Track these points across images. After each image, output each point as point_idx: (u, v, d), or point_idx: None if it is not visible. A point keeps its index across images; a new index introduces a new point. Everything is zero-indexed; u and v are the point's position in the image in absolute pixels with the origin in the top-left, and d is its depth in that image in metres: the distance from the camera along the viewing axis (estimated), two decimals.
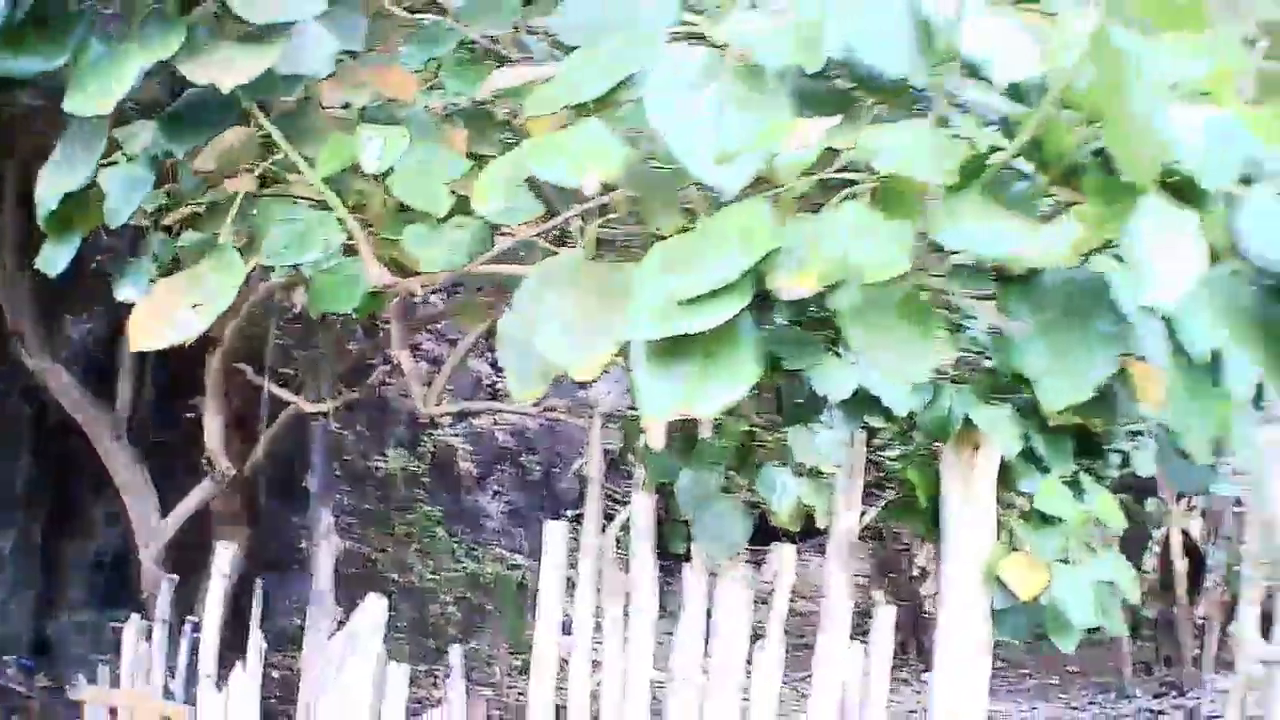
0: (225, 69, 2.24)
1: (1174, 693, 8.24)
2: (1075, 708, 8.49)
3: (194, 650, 4.67)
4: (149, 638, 4.81)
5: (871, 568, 10.34)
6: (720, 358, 1.88)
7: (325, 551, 5.44)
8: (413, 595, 9.60)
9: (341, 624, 4.55)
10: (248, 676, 4.53)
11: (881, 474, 5.19)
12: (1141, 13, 1.85)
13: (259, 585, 4.80)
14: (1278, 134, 1.81)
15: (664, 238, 2.00)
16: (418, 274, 2.90)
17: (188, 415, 7.23)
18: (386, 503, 10.68)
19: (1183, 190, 1.87)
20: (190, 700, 4.63)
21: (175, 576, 5.09)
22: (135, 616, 4.92)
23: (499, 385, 10.53)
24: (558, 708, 4.52)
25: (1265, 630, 4.99)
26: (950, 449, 4.02)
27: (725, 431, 4.03)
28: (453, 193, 2.91)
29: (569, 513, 7.56)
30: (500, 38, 3.75)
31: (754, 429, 4.10)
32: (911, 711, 8.09)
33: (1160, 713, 7.84)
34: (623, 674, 4.34)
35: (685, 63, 2.01)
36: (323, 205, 2.93)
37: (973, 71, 2.01)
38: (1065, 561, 4.14)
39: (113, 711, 4.86)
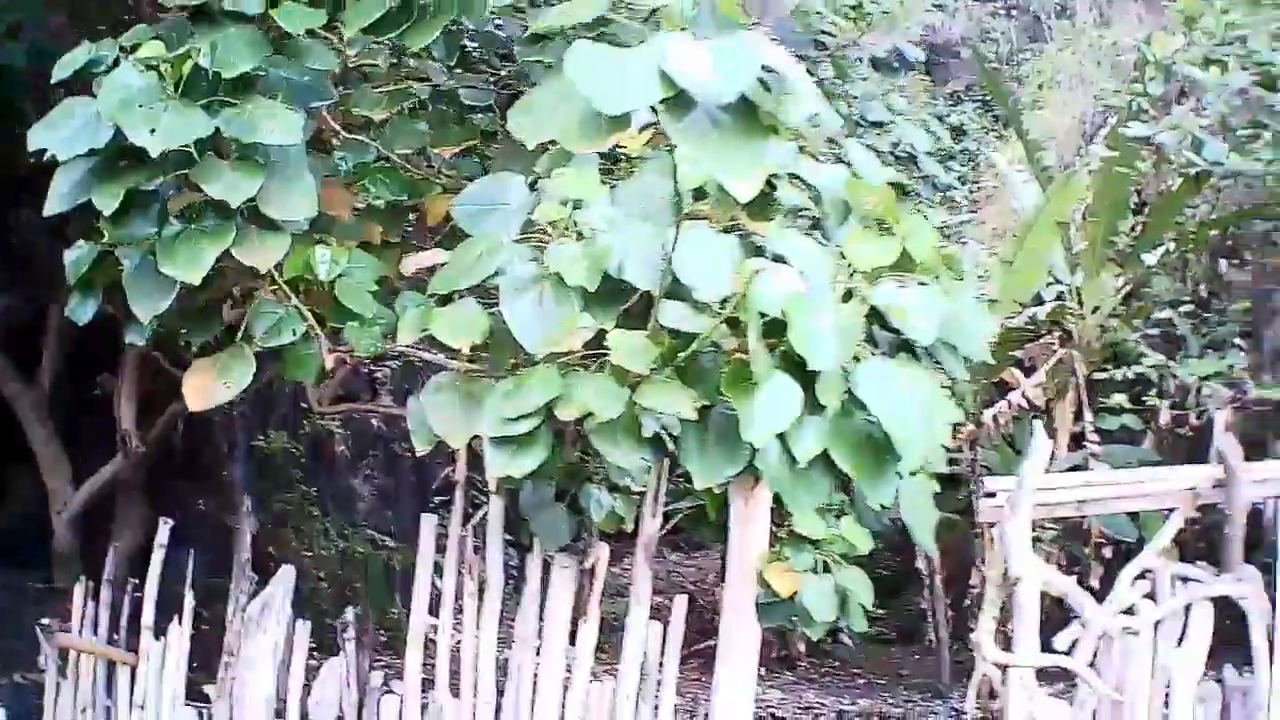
0: (262, 256, 4.40)
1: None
2: (892, 703, 10.87)
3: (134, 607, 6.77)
4: (95, 597, 6.90)
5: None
6: (528, 446, 4.11)
7: (246, 528, 7.52)
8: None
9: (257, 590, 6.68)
10: (182, 628, 6.65)
11: (685, 492, 7.36)
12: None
13: (190, 554, 6.90)
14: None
15: (504, 375, 4.21)
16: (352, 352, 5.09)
17: (99, 395, 9.24)
18: (264, 480, 12.65)
19: (801, 366, 4.09)
20: (133, 648, 6.73)
21: (118, 544, 7.18)
22: (83, 578, 7.02)
23: (378, 375, 12.57)
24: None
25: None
26: (735, 480, 6.22)
27: (556, 457, 6.18)
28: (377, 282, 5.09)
29: (435, 499, 9.52)
30: (411, 157, 5.95)
31: (583, 456, 6.24)
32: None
33: (962, 712, 10.15)
34: (475, 637, 6.52)
35: (521, 272, 4.21)
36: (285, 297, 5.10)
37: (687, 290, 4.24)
38: (814, 571, 6.36)
39: (63, 655, 6.94)
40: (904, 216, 4.87)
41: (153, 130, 4.38)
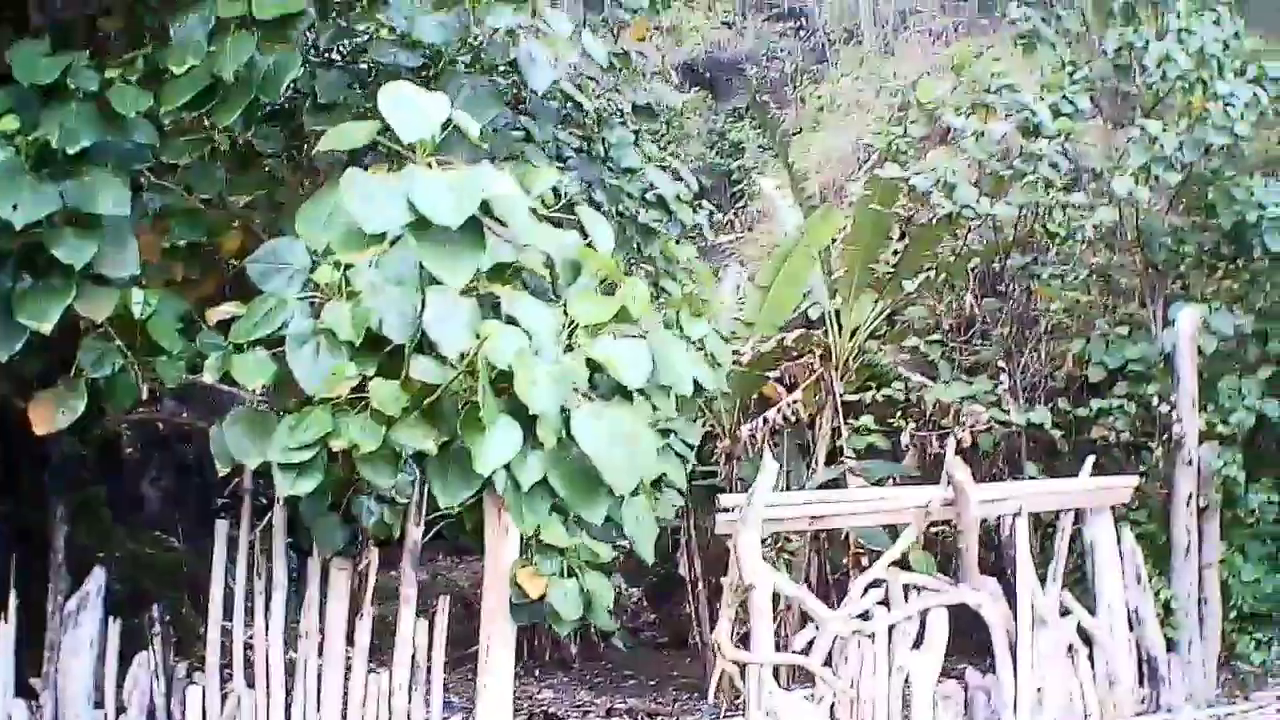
0: (98, 308, 5.81)
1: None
2: (661, 702, 12.51)
3: None
4: None
5: None
6: (308, 470, 5.60)
7: (59, 532, 8.80)
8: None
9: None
10: (7, 625, 7.96)
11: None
12: None
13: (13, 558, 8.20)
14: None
15: (288, 411, 5.66)
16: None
17: None
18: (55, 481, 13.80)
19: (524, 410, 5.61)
20: None
21: None
22: None
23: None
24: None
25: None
26: (488, 495, 7.71)
27: (331, 477, 7.59)
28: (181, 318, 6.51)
29: (219, 501, 10.83)
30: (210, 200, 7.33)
31: (354, 473, 7.67)
32: None
33: (728, 709, 11.78)
34: (265, 632, 7.96)
35: (302, 326, 5.66)
36: (106, 338, 6.47)
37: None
38: (561, 575, 7.87)
39: None
40: (624, 277, 6.44)
41: (14, 206, 5.82)
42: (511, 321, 5.80)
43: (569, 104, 9.32)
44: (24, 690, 8.36)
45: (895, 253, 13.59)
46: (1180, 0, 12.14)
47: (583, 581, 7.92)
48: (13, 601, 8.15)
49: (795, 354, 13.61)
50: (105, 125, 6.38)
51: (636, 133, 10.55)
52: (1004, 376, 13.34)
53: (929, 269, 13.52)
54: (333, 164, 7.17)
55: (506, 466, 5.67)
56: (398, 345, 5.76)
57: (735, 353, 12.79)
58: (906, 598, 9.89)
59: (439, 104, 5.33)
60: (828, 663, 9.49)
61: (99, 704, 8.27)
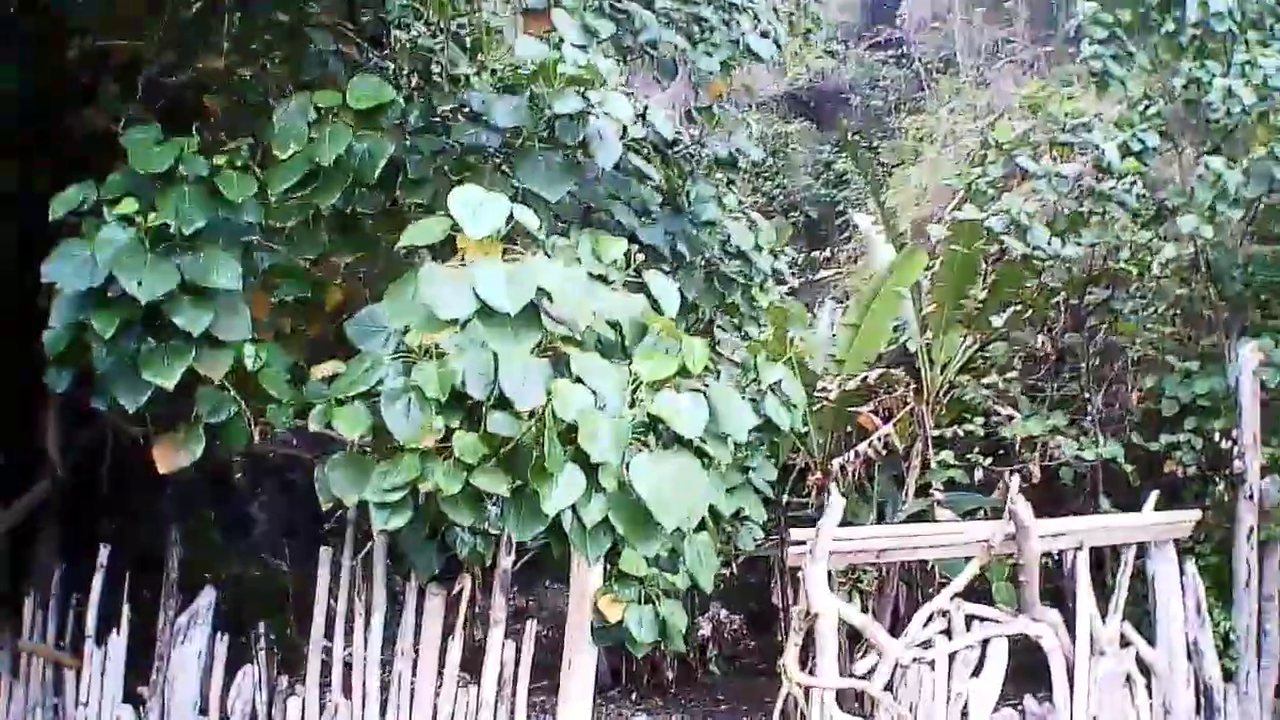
0: (215, 368, 7.12)
1: None
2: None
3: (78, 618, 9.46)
4: (44, 607, 9.57)
5: None
6: (400, 509, 6.93)
7: (173, 552, 10.17)
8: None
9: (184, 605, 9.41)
10: (120, 637, 9.33)
11: None
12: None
13: (127, 575, 9.60)
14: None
15: (383, 458, 6.94)
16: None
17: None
18: (170, 505, 15.29)
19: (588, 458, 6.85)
20: (77, 653, 9.43)
21: (62, 564, 9.87)
22: (32, 591, 9.71)
23: None
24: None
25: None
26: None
27: (421, 515, 8.83)
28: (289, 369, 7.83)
29: (325, 527, 12.16)
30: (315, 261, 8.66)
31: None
32: None
33: None
34: (363, 649, 9.26)
35: (395, 384, 6.94)
36: (221, 387, 7.80)
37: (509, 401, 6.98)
38: (637, 602, 9.10)
39: (16, 659, 9.63)
40: (683, 336, 7.64)
41: (139, 282, 7.14)
42: (579, 380, 7.03)
43: (655, 159, 10.58)
44: (130, 698, 9.81)
45: (984, 289, 14.53)
46: (1249, 32, 12.97)
47: (659, 608, 9.20)
48: (125, 615, 9.54)
49: (889, 388, 14.71)
50: (216, 205, 7.76)
51: (724, 182, 11.81)
52: (1089, 409, 14.37)
53: (1016, 304, 14.53)
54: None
55: (572, 507, 6.91)
56: (478, 400, 7.02)
57: (823, 390, 14.03)
58: (969, 627, 10.96)
59: (499, 206, 6.69)
60: (889, 689, 10.58)
61: (204, 711, 9.70)
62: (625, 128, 8.67)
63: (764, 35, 11.00)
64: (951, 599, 10.90)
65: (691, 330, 10.73)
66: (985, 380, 14.74)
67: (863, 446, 14.33)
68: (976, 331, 14.63)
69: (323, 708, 9.61)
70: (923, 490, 14.32)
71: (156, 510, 13.31)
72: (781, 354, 10.91)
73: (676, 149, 11.11)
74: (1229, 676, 12.29)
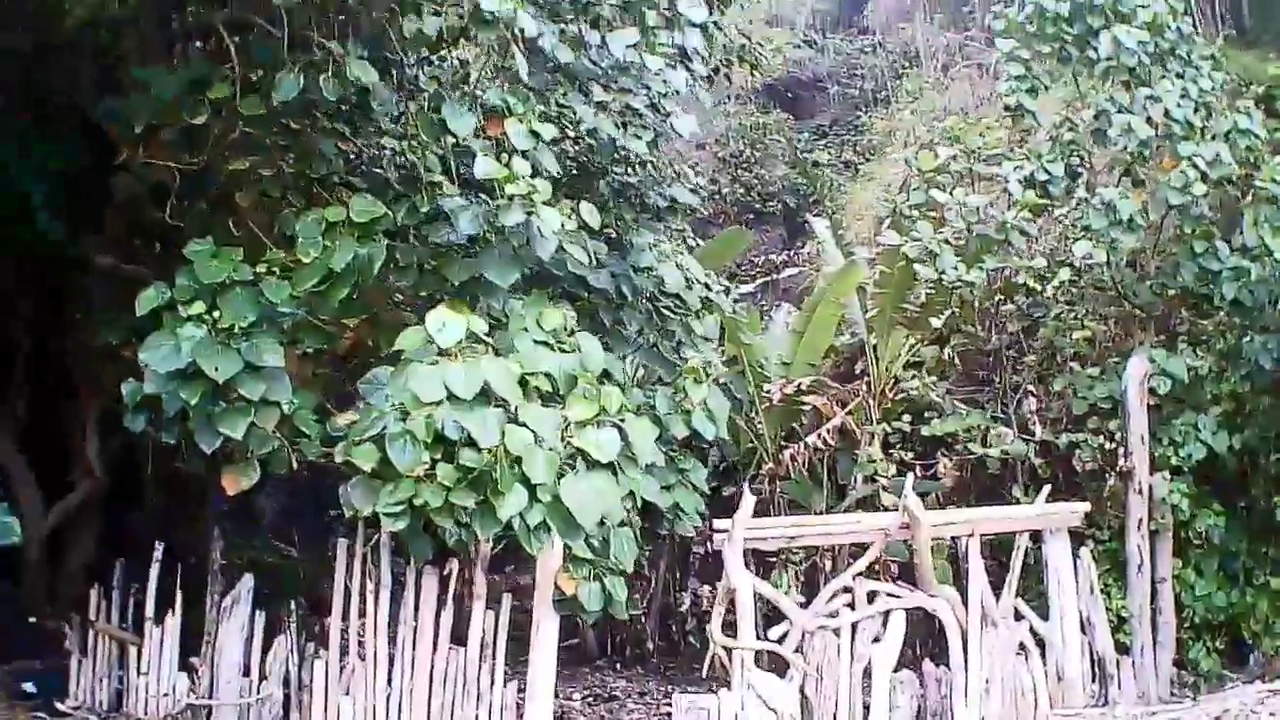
0: (269, 420, 12.43)
1: None
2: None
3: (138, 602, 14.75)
4: (108, 596, 14.79)
5: None
6: (401, 517, 12.45)
7: (216, 547, 15.32)
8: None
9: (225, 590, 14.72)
10: (175, 617, 14.64)
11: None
12: None
13: (179, 565, 14.83)
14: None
15: (389, 481, 12.27)
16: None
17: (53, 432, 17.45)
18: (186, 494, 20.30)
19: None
20: (139, 632, 14.86)
21: (121, 559, 15.17)
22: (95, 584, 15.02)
23: None
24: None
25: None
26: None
27: (417, 518, 13.88)
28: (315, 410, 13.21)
29: (331, 514, 16.83)
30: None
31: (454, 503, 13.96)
32: None
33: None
34: (373, 620, 14.41)
35: (395, 429, 12.47)
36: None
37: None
38: (587, 579, 14.13)
39: (84, 638, 14.94)
40: (600, 387, 13.11)
41: (216, 367, 12.55)
42: (523, 424, 12.36)
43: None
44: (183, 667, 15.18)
45: (923, 295, 18.98)
46: (1155, 66, 17.33)
47: (605, 583, 14.22)
48: (179, 599, 15.02)
49: (842, 382, 20.03)
50: (261, 304, 13.13)
51: (665, 228, 17.15)
52: (1019, 406, 19.35)
53: (951, 310, 19.28)
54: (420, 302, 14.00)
55: (520, 514, 12.31)
56: (453, 440, 12.45)
57: (766, 393, 19.21)
58: (871, 601, 15.73)
59: (458, 325, 12.57)
60: (799, 651, 15.33)
61: (245, 673, 14.91)
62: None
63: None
64: (854, 577, 15.74)
65: (633, 355, 16.53)
66: (918, 380, 19.48)
67: (811, 438, 19.36)
68: (917, 332, 19.49)
69: (342, 669, 14.54)
70: (870, 478, 19.06)
71: (190, 510, 18.47)
72: (735, 360, 17.35)
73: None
74: (1125, 651, 16.66)
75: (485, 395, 12.56)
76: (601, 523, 13.45)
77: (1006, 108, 18.21)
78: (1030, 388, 19.70)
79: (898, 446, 19.45)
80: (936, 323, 19.48)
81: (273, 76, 13.40)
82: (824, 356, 20.89)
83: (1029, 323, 19.63)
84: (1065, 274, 17.86)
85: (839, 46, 34.79)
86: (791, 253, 28.20)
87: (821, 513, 19.08)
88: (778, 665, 15.87)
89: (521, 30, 13.11)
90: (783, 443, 20.06)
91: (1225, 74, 18.62)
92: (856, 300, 20.22)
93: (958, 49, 30.00)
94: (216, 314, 12.91)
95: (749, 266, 30.47)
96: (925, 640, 17.52)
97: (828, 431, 19.36)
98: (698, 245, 23.16)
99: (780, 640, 15.48)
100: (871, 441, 19.39)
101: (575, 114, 15.18)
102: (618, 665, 21.36)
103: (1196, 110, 17.29)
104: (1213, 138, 17.29)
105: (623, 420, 13.53)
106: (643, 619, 22.03)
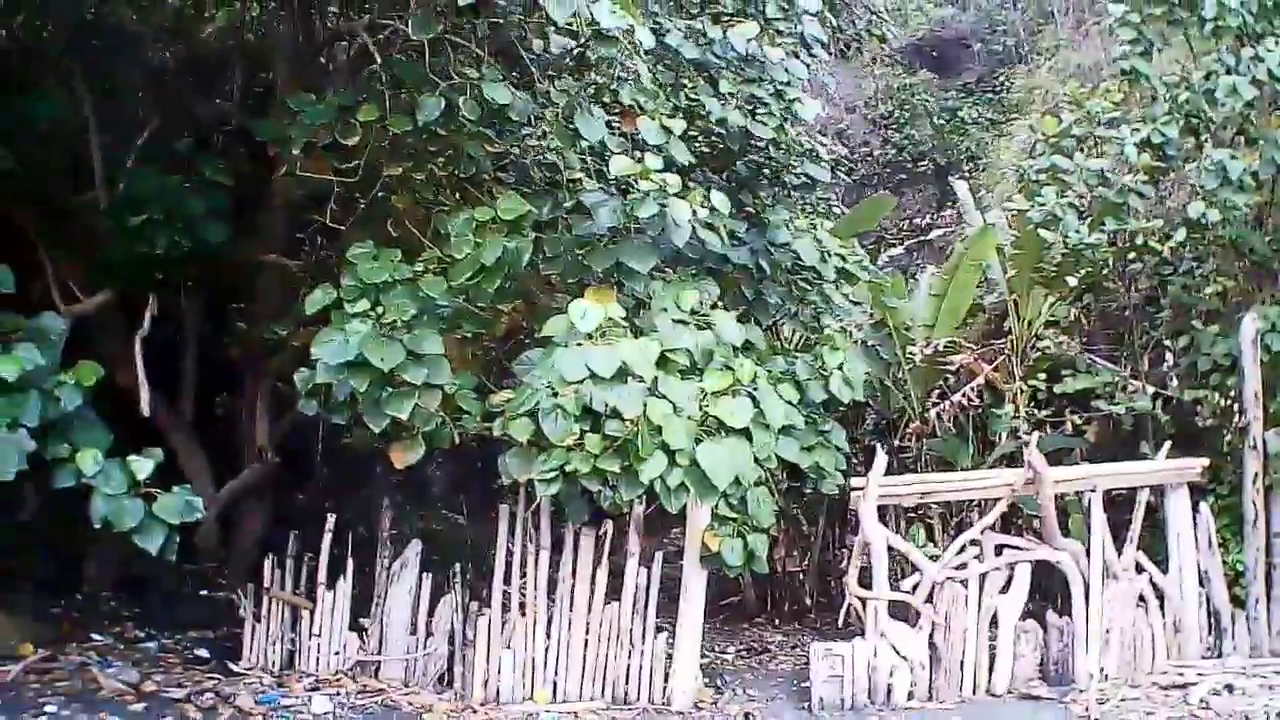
0: (432, 402, 14.08)
1: None
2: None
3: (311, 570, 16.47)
4: (281, 565, 16.50)
5: None
6: (554, 482, 14.13)
7: (385, 517, 16.94)
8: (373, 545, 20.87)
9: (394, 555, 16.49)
10: (346, 581, 16.32)
11: None
12: None
13: (349, 536, 16.50)
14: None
15: (541, 450, 13.94)
16: None
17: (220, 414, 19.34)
18: (353, 470, 22.03)
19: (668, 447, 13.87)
20: (311, 596, 16.60)
21: (294, 532, 16.89)
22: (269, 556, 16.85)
23: None
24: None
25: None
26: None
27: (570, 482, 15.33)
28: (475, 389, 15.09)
29: (497, 484, 17.65)
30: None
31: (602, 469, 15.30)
32: None
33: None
34: (534, 579, 15.97)
35: (547, 405, 14.18)
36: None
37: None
38: (730, 536, 15.57)
39: (258, 604, 16.71)
40: (736, 360, 14.64)
41: (381, 359, 14.17)
42: (662, 396, 14.07)
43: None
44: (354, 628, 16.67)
45: (1059, 255, 19.73)
46: (1275, 20, 17.68)
47: (747, 540, 15.62)
48: (350, 565, 16.47)
49: (987, 341, 21.23)
50: (420, 299, 14.75)
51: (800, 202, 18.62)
52: (1152, 364, 20.25)
53: (1085, 269, 19.93)
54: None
55: (661, 477, 13.96)
56: (599, 412, 14.07)
57: (910, 354, 20.64)
58: (999, 554, 16.86)
59: (597, 312, 14.08)
60: (930, 602, 16.51)
61: (413, 631, 16.41)
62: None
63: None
64: (983, 530, 16.91)
65: (773, 326, 18.42)
66: (1058, 337, 20.55)
67: (956, 397, 20.65)
68: (1055, 291, 20.47)
69: (504, 625, 15.97)
70: (1014, 434, 20.02)
71: (359, 484, 20.07)
72: (881, 324, 18.94)
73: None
74: (1240, 604, 17.19)
75: (623, 373, 14.15)
76: (737, 482, 14.74)
77: (1122, 71, 18.66)
78: (1167, 343, 20.44)
79: (1034, 404, 20.39)
80: (1073, 281, 20.14)
81: (415, 95, 15.09)
82: (970, 316, 21.98)
83: (1159, 279, 20.18)
84: (1181, 234, 18.26)
85: (979, 3, 35.94)
86: (937, 215, 29.25)
87: (967, 469, 19.91)
88: (909, 616, 17.03)
89: (640, 42, 14.60)
90: (931, 402, 21.25)
91: None
92: (996, 261, 21.29)
93: (1089, 3, 30.84)
94: (380, 310, 14.52)
95: (901, 228, 31.64)
96: (1050, 591, 18.54)
97: (973, 389, 20.53)
98: (843, 213, 24.84)
99: (911, 591, 16.69)
100: (1015, 399, 20.35)
101: (704, 105, 16.69)
102: (776, 621, 22.71)
103: None
104: None
105: (755, 389, 15.07)
106: (801, 576, 23.58)
